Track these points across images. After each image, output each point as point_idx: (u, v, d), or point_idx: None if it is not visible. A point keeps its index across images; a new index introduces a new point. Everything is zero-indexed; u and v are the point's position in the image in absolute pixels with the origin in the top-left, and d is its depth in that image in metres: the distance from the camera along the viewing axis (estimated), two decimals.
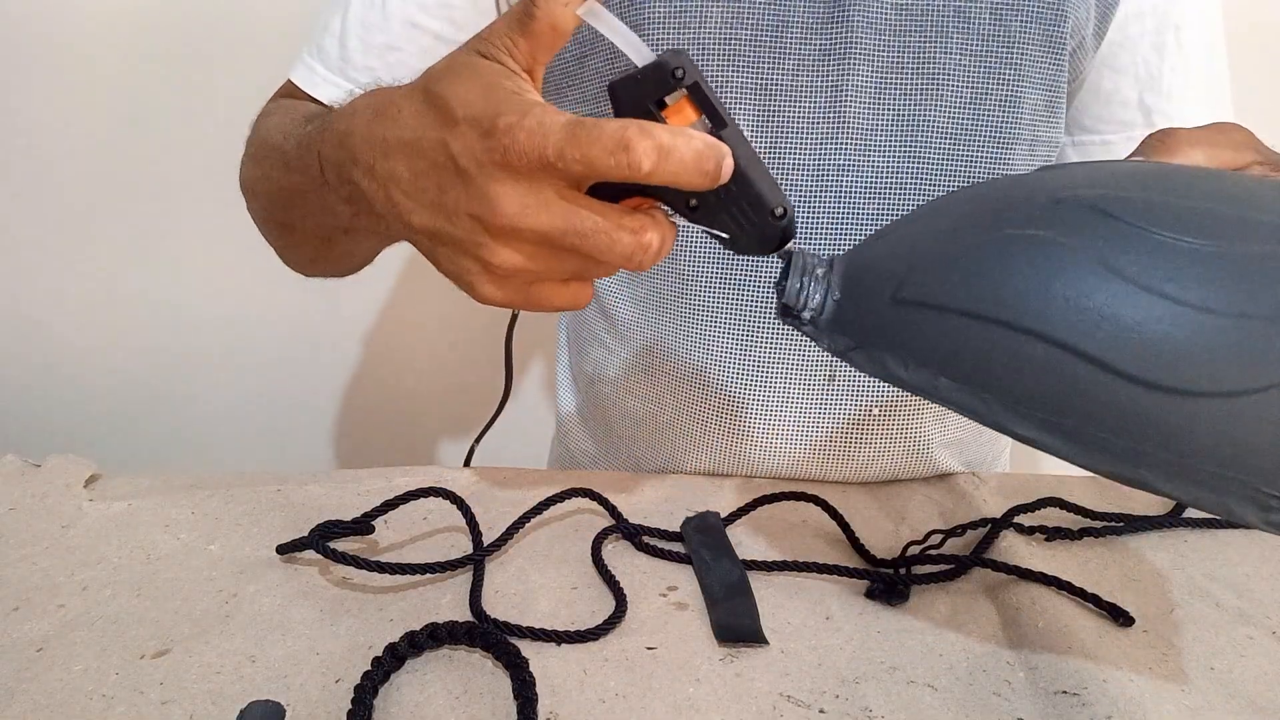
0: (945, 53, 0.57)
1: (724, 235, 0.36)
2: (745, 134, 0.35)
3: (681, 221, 0.36)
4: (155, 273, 1.12)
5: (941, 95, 0.58)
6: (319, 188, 0.43)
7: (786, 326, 0.61)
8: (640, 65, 0.35)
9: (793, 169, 0.58)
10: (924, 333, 0.34)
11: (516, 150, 0.32)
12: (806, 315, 0.37)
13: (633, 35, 0.35)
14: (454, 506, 0.54)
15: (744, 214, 0.36)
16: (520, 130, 0.32)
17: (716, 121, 0.35)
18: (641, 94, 0.35)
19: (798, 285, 0.37)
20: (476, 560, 0.50)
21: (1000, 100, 0.58)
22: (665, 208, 0.36)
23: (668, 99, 0.35)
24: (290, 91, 0.65)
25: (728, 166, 0.33)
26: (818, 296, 0.37)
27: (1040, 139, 0.61)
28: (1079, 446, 0.33)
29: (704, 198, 0.35)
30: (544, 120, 0.32)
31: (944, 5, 0.56)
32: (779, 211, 0.35)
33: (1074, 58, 0.60)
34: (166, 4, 1.00)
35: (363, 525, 0.52)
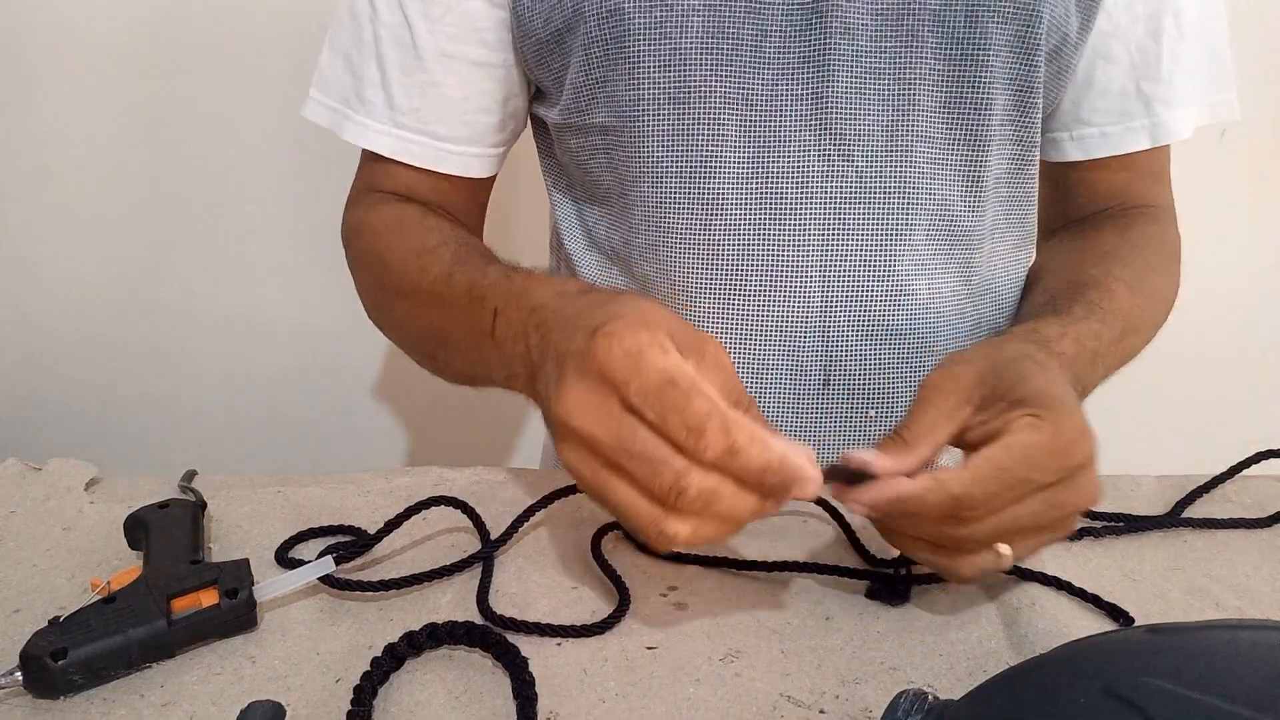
0: (921, 58, 0.57)
1: None
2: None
3: None
4: (157, 275, 1.12)
5: (919, 100, 0.58)
6: (481, 339, 0.50)
7: (780, 333, 0.61)
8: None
9: (777, 177, 0.58)
10: None
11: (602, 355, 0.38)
12: None
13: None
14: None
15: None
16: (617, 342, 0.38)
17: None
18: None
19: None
20: (485, 557, 0.50)
21: (974, 104, 0.58)
22: None
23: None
24: (371, 162, 0.66)
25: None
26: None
27: (1011, 138, 0.61)
28: None
29: None
30: (646, 355, 0.37)
31: (920, 8, 0.56)
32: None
33: (1057, 55, 0.60)
34: (177, 7, 1.01)
35: (366, 545, 0.51)
